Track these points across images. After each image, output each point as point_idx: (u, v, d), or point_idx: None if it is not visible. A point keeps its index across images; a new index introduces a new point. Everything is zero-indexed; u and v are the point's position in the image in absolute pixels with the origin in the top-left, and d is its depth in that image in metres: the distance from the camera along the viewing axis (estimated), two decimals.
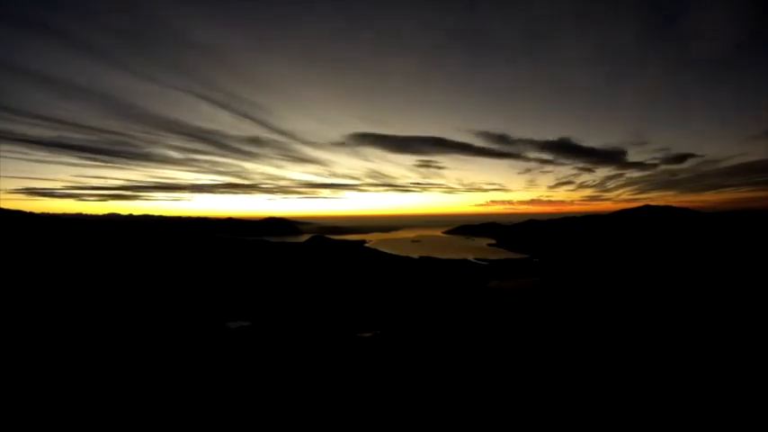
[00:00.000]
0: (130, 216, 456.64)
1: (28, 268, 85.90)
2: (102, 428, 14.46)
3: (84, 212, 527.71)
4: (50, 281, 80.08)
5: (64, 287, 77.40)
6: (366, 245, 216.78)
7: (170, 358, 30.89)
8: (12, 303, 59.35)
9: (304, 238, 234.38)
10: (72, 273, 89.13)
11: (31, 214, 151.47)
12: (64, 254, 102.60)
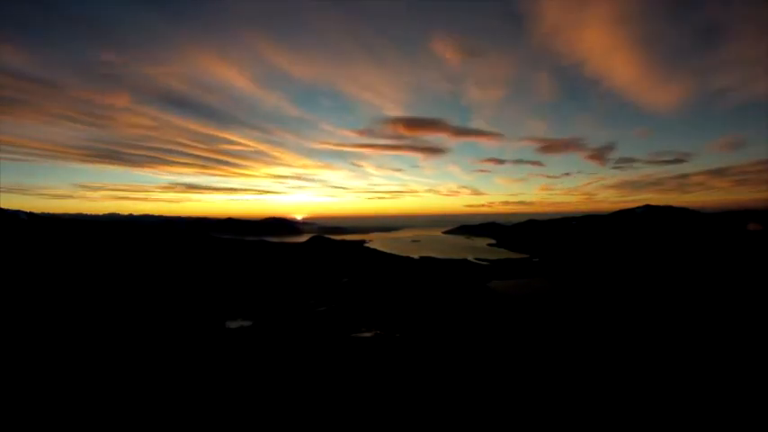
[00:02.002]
0: (130, 216, 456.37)
1: (30, 270, 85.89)
2: (103, 428, 14.44)
3: (84, 212, 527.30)
4: (53, 282, 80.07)
5: (66, 288, 77.38)
6: (366, 245, 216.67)
7: (169, 358, 30.86)
8: (14, 305, 59.35)
9: (304, 238, 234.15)
10: (74, 274, 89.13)
11: (31, 214, 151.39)
12: (66, 255, 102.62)
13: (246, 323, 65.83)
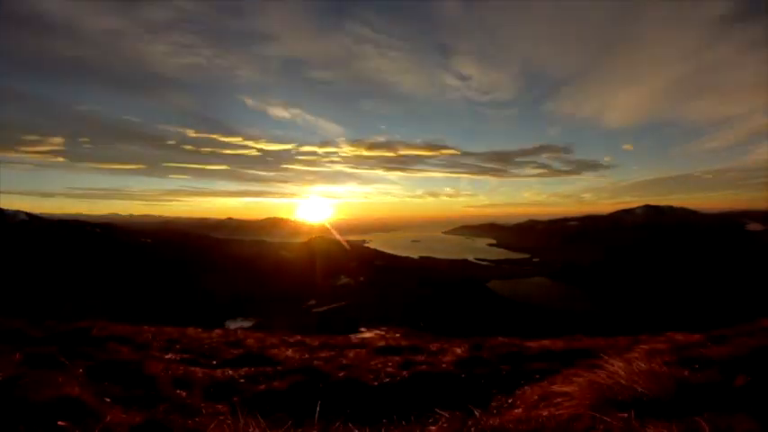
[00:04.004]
0: (131, 216, 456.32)
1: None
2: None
3: (83, 213, 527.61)
4: (53, 282, 79.95)
5: (60, 287, 77.26)
6: (366, 245, 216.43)
7: None
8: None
9: (304, 238, 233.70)
10: (72, 274, 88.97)
11: (31, 214, 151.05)
12: (62, 255, 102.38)
13: (246, 324, 65.63)
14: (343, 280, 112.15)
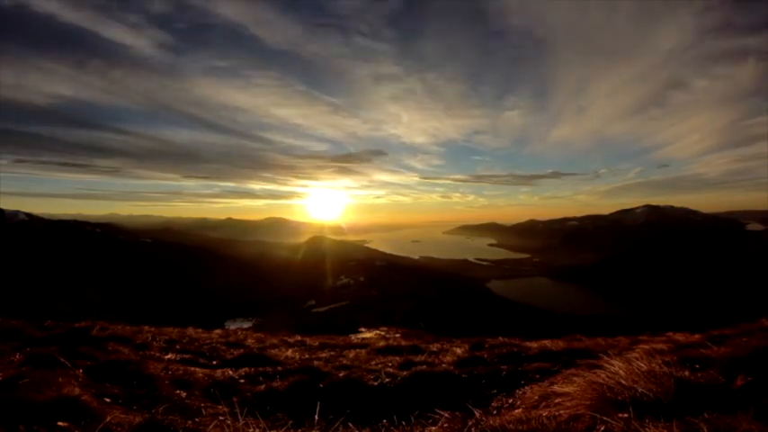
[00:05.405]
0: (130, 217, 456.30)
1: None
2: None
3: (83, 213, 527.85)
4: (52, 281, 79.89)
5: (59, 286, 77.16)
6: (366, 245, 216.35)
7: None
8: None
9: (304, 238, 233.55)
10: (66, 272, 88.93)
11: (30, 215, 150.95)
12: (63, 256, 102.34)
13: (246, 324, 65.59)
14: (344, 280, 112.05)
